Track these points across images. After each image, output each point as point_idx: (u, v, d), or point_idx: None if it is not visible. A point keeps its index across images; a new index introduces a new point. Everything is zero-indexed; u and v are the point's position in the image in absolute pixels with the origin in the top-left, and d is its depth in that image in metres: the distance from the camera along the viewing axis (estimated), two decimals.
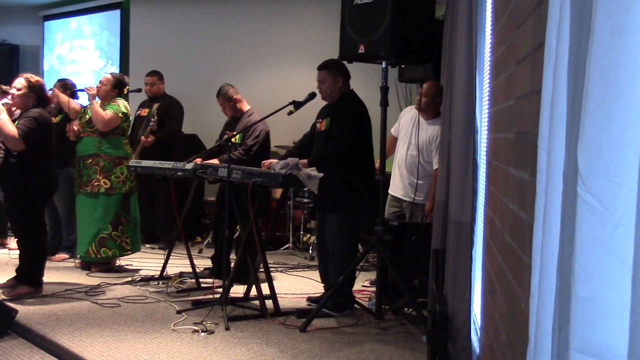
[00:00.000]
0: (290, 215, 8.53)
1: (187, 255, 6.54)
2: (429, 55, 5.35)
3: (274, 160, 5.42)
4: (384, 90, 5.30)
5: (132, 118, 7.58)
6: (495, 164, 2.88)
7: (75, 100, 7.81)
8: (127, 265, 7.22)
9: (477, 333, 3.56)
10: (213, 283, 5.96)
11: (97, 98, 6.96)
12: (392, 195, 6.31)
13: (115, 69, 10.59)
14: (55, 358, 4.61)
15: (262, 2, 10.14)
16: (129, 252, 7.07)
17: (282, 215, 8.52)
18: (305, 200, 8.21)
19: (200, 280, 6.41)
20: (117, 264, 7.12)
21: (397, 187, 6.27)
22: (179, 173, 6.04)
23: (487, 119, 3.45)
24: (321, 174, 5.14)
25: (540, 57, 1.73)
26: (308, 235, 8.67)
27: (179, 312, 5.40)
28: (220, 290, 5.54)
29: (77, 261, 7.26)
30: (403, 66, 7.46)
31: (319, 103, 5.83)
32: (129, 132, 7.25)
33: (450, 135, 4.34)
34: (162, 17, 10.62)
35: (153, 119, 7.82)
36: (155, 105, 8.47)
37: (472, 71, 3.63)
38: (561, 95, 1.22)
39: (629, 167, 0.99)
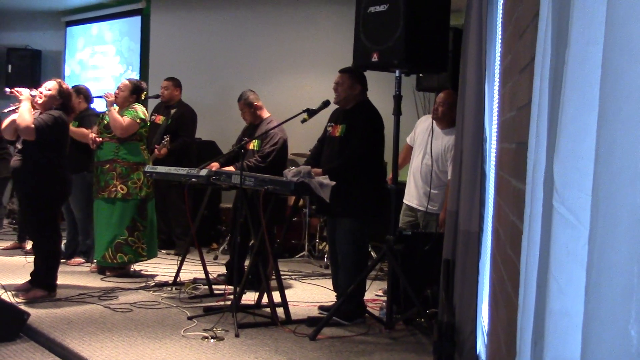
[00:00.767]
0: (306, 223, 8.52)
1: (201, 261, 6.56)
2: (443, 64, 5.33)
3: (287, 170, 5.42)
4: (397, 99, 5.29)
5: None
6: (501, 175, 2.86)
7: (89, 106, 7.87)
8: (141, 270, 7.24)
9: (484, 344, 3.53)
10: (225, 290, 5.96)
11: (114, 104, 7.00)
12: (406, 205, 6.29)
13: (135, 75, 10.67)
14: None
15: (279, 10, 10.17)
16: (145, 258, 7.09)
17: (297, 223, 8.51)
18: (315, 207, 8.19)
19: (213, 286, 6.42)
20: (132, 269, 7.14)
21: (412, 197, 6.25)
22: (193, 179, 6.06)
23: (496, 129, 3.43)
24: (333, 182, 5.14)
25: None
26: (324, 243, 8.66)
27: (189, 318, 5.41)
28: (232, 297, 5.55)
29: (92, 265, 7.30)
30: (421, 75, 7.45)
31: (332, 108, 5.83)
32: (146, 138, 7.28)
33: (462, 145, 4.32)
34: (182, 23, 10.69)
35: (166, 138, 7.87)
36: (171, 113, 8.51)
37: (481, 80, 3.61)
38: (543, 106, 1.21)
39: None
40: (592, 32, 0.98)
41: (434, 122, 5.97)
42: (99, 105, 8.40)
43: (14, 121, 5.94)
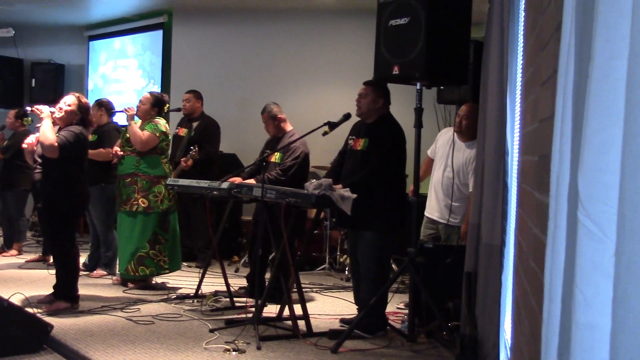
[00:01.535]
0: (327, 235, 8.52)
1: (222, 274, 6.58)
2: (464, 77, 5.32)
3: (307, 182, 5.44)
4: (419, 111, 5.30)
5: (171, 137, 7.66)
6: (523, 187, 2.85)
7: (111, 119, 7.94)
8: (163, 282, 7.27)
9: (507, 357, 3.52)
10: (247, 302, 5.97)
11: (135, 118, 7.06)
12: (427, 217, 6.29)
13: (157, 89, 10.73)
14: None
15: (300, 23, 10.22)
16: (167, 271, 7.12)
17: (318, 236, 8.52)
18: (335, 220, 8.18)
19: (235, 299, 6.43)
20: (154, 281, 7.17)
21: (433, 209, 6.24)
22: (215, 192, 6.09)
23: (518, 141, 3.43)
24: (354, 195, 5.14)
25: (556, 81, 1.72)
26: (344, 256, 8.65)
27: (211, 331, 5.42)
28: (254, 309, 5.56)
29: (114, 278, 7.35)
30: (442, 87, 7.44)
31: (352, 121, 5.84)
32: (168, 151, 7.32)
33: (484, 157, 4.32)
34: (204, 37, 10.77)
35: (194, 149, 7.93)
36: (194, 125, 8.56)
37: (503, 93, 3.61)
38: (567, 119, 1.21)
39: None
40: (615, 46, 0.98)
41: (456, 134, 5.96)
42: (121, 119, 8.47)
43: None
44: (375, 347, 5.19)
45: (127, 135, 7.05)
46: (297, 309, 5.50)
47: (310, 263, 8.54)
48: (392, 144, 5.59)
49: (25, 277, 7.58)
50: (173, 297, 6.66)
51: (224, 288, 6.55)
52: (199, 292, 6.62)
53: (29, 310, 5.44)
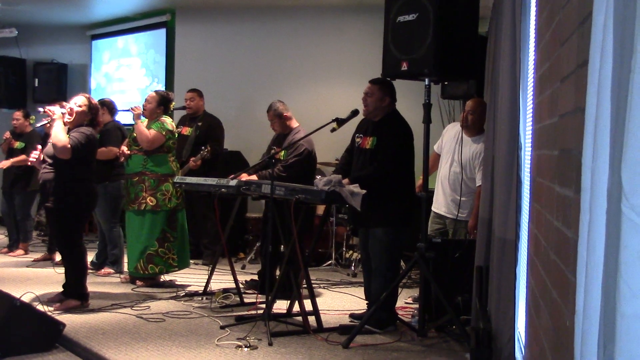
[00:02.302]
0: (333, 231, 8.54)
1: (230, 271, 6.60)
2: (473, 72, 5.34)
3: (318, 178, 5.46)
4: (427, 107, 5.31)
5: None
6: (539, 181, 2.87)
7: (113, 119, 7.96)
8: (171, 280, 7.29)
9: (521, 351, 3.53)
10: (256, 299, 5.99)
11: (142, 117, 7.08)
12: (435, 212, 6.31)
13: (161, 87, 10.74)
14: None
15: (305, 20, 10.23)
16: (176, 269, 7.15)
17: (324, 232, 8.53)
18: (348, 218, 8.22)
19: (244, 295, 6.45)
20: (162, 279, 7.20)
21: (440, 204, 6.26)
22: (223, 190, 6.10)
23: (530, 136, 3.45)
24: (364, 191, 5.16)
25: (584, 74, 1.73)
26: (350, 252, 8.68)
27: (222, 328, 5.44)
28: (264, 306, 5.58)
29: (122, 276, 7.37)
30: (446, 83, 7.46)
31: (358, 118, 5.86)
32: (174, 150, 7.33)
33: (494, 152, 4.33)
34: (207, 35, 10.77)
35: (206, 150, 7.97)
36: (198, 124, 8.58)
37: (516, 88, 3.62)
38: (604, 113, 1.23)
39: None
40: None
41: (463, 129, 5.98)
42: (126, 118, 8.48)
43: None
44: (386, 341, 5.21)
45: (134, 134, 7.07)
46: (307, 305, 5.52)
47: (316, 259, 8.56)
48: (400, 142, 5.61)
49: (33, 276, 7.60)
50: (182, 294, 6.68)
51: (231, 285, 6.58)
52: (208, 289, 6.64)
53: (41, 309, 5.46)
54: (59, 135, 5.83)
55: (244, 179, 6.24)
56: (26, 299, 5.44)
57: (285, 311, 5.83)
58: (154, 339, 5.15)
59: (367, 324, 5.33)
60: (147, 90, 10.42)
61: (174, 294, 6.67)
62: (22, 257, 8.90)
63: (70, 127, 6.01)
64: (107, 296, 6.51)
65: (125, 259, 7.43)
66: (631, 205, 1.04)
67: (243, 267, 8.27)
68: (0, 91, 12.32)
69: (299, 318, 5.53)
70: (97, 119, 6.24)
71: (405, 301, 6.52)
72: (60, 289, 6.19)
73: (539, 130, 3.00)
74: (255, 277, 7.09)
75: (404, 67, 5.17)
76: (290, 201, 5.38)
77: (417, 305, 5.77)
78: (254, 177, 6.40)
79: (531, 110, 3.48)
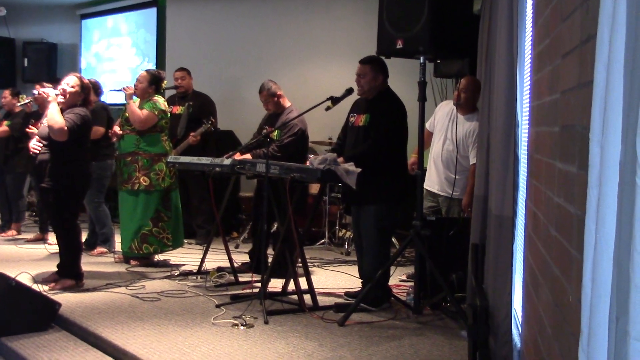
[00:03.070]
0: (326, 210, 8.55)
1: (224, 250, 6.60)
2: (467, 50, 5.34)
3: (312, 157, 5.45)
4: (422, 85, 5.31)
5: None
6: (537, 158, 2.87)
7: (99, 99, 7.92)
8: (165, 259, 7.29)
9: (517, 327, 3.56)
10: (252, 277, 6.00)
11: (134, 97, 7.04)
12: (427, 190, 6.32)
13: (152, 67, 10.68)
14: (98, 350, 4.69)
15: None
16: (171, 248, 7.15)
17: (317, 211, 8.54)
18: (341, 196, 8.23)
19: (238, 274, 6.46)
20: (156, 259, 7.20)
21: (433, 182, 6.27)
22: (217, 169, 6.10)
23: (527, 113, 3.45)
24: (359, 170, 5.16)
25: (588, 50, 1.73)
26: (344, 231, 8.69)
27: (218, 306, 5.45)
28: (259, 284, 5.59)
29: (116, 255, 7.37)
30: (439, 61, 7.45)
31: (352, 97, 5.85)
32: (167, 129, 7.29)
33: (489, 130, 4.33)
34: (198, 14, 10.70)
35: (210, 122, 7.98)
36: (189, 102, 8.56)
37: (513, 66, 3.62)
38: (616, 88, 1.23)
39: None
40: None
41: (456, 108, 5.98)
42: (117, 98, 8.43)
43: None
44: (381, 319, 5.24)
45: (126, 114, 7.04)
46: (302, 283, 5.53)
47: (310, 238, 8.57)
48: (394, 119, 5.61)
49: (26, 256, 7.59)
50: (176, 273, 6.68)
51: (226, 264, 6.59)
52: (202, 269, 6.65)
53: (36, 288, 5.46)
54: (55, 117, 5.80)
55: (237, 158, 6.23)
56: (21, 279, 5.43)
57: (280, 290, 5.84)
58: (149, 318, 5.16)
59: (362, 302, 5.35)
60: (138, 69, 10.37)
61: (169, 274, 6.68)
62: (14, 237, 8.87)
63: (64, 108, 5.97)
64: (101, 276, 6.51)
65: (118, 239, 7.42)
66: None
67: (236, 247, 8.27)
68: None
69: (295, 296, 5.55)
70: (89, 98, 6.22)
71: (400, 279, 6.55)
72: (54, 269, 6.19)
73: (536, 107, 3.00)
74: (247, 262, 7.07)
75: (399, 44, 5.15)
76: (285, 180, 5.37)
77: (411, 283, 5.80)
78: (247, 156, 6.39)
79: (528, 87, 3.48)
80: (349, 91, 5.74)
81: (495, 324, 3.68)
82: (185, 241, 8.23)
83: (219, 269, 6.62)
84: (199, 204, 8.55)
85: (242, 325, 4.95)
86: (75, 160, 5.97)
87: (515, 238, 3.66)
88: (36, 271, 6.43)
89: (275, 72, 8.68)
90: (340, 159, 5.36)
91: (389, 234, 5.83)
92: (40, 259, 7.30)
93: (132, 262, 7.05)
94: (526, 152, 3.40)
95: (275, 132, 6.50)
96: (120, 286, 6.11)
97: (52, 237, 7.35)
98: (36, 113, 8.24)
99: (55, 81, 7.26)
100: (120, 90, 7.29)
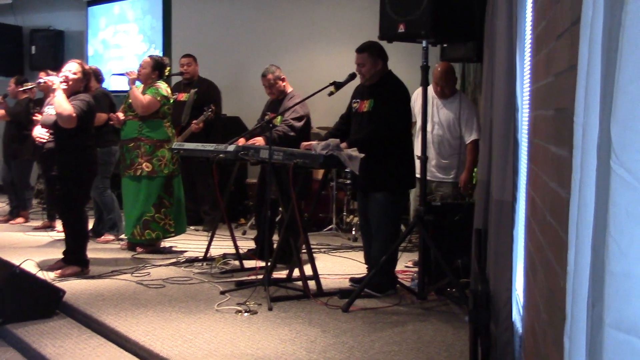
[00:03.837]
0: (333, 196, 8.53)
1: (230, 237, 6.60)
2: (471, 34, 5.28)
3: (314, 142, 5.43)
4: (425, 69, 5.27)
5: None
6: (536, 142, 2.84)
7: (100, 86, 7.93)
8: (171, 246, 7.30)
9: (519, 313, 3.53)
10: (256, 264, 6.00)
11: (137, 82, 7.03)
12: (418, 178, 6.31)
13: (159, 53, 10.66)
14: (101, 337, 4.70)
15: None
16: (173, 234, 7.16)
17: (324, 197, 8.53)
18: (348, 182, 8.21)
19: (244, 261, 6.46)
20: (162, 246, 7.20)
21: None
22: (221, 155, 6.08)
23: (528, 97, 3.41)
24: (362, 155, 5.14)
25: (577, 31, 1.70)
26: (351, 217, 8.68)
27: (222, 293, 5.46)
28: (264, 271, 5.59)
29: (122, 243, 7.38)
30: (445, 45, 7.39)
31: (354, 83, 5.82)
32: (170, 115, 7.28)
33: (491, 114, 4.29)
34: (203, 0, 10.66)
35: (211, 109, 7.95)
36: (194, 89, 8.54)
37: (512, 48, 3.58)
38: (595, 69, 1.20)
39: None
40: None
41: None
42: (122, 84, 8.43)
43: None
44: (386, 305, 5.22)
45: (129, 100, 7.03)
46: (307, 270, 5.52)
47: (317, 224, 8.56)
48: (397, 103, 5.57)
49: (33, 243, 7.62)
50: (182, 260, 6.69)
51: (232, 250, 6.59)
52: (208, 255, 6.65)
53: (40, 276, 5.47)
54: (63, 105, 5.80)
55: (240, 144, 6.21)
56: (26, 266, 5.46)
57: (285, 276, 5.83)
58: (153, 304, 5.17)
59: (367, 288, 5.34)
60: (145, 56, 10.33)
61: (174, 260, 6.68)
62: (22, 224, 8.91)
63: (67, 95, 5.97)
64: (107, 263, 6.52)
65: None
66: (620, 162, 1.02)
67: (244, 233, 8.27)
68: None
69: (299, 283, 5.54)
70: (90, 84, 6.23)
71: (406, 265, 6.53)
72: (60, 256, 6.21)
73: (535, 90, 2.96)
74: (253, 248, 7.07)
75: (401, 29, 5.11)
76: (288, 166, 5.35)
77: (417, 269, 5.78)
78: (259, 139, 6.31)
79: (529, 70, 3.45)
80: (352, 76, 5.71)
81: (496, 309, 3.66)
82: (192, 228, 8.27)
83: (225, 256, 6.63)
84: (204, 191, 8.55)
85: (245, 311, 4.95)
86: (82, 147, 5.98)
87: (516, 223, 3.63)
88: (42, 258, 6.46)
89: (280, 58, 8.66)
90: (343, 144, 5.33)
91: (397, 221, 5.80)
92: (46, 246, 7.33)
93: (138, 249, 7.06)
94: (527, 137, 3.37)
95: (278, 118, 6.47)
96: (125, 273, 6.12)
97: (59, 225, 7.36)
98: (39, 100, 8.25)
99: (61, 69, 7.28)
100: (123, 74, 7.28)
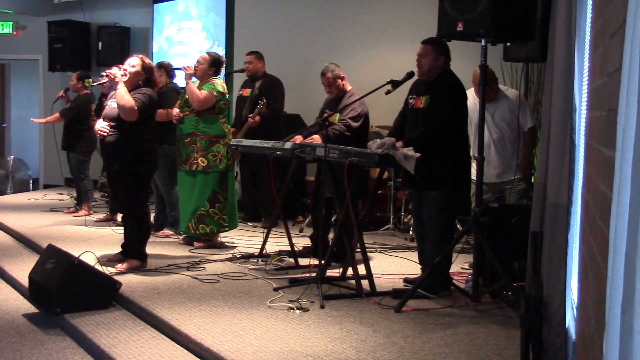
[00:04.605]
0: (391, 195, 8.49)
1: (286, 234, 6.62)
2: (531, 33, 5.18)
3: (369, 142, 5.40)
4: (483, 68, 5.19)
5: (231, 97, 7.66)
6: (591, 144, 2.77)
7: (171, 81, 8.04)
8: (228, 242, 7.36)
9: (574, 318, 3.46)
10: (310, 262, 6.00)
11: (194, 77, 7.09)
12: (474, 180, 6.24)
13: (222, 50, 10.76)
14: (154, 330, 4.77)
15: None
16: (227, 229, 7.22)
17: (382, 196, 8.49)
18: (402, 180, 8.13)
19: (299, 259, 6.47)
20: (219, 241, 7.27)
21: (488, 175, 6.19)
22: (278, 152, 6.10)
23: (586, 97, 3.33)
24: (418, 154, 5.09)
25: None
26: (409, 216, 8.61)
27: (275, 290, 5.47)
28: (318, 269, 5.58)
29: (180, 237, 7.47)
30: (508, 45, 7.27)
31: (412, 80, 5.77)
32: (226, 111, 7.33)
33: (550, 116, 4.21)
34: None
35: (262, 102, 7.96)
36: (257, 84, 8.60)
37: (571, 47, 3.50)
38: (635, 69, 1.16)
39: None
40: None
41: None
42: (180, 80, 8.54)
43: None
44: (439, 306, 5.17)
45: (186, 96, 7.10)
46: (361, 269, 5.50)
47: (374, 223, 8.53)
48: (454, 101, 5.50)
49: (95, 235, 7.77)
50: (238, 256, 6.74)
51: (288, 248, 6.61)
52: (264, 252, 6.68)
53: (99, 268, 5.58)
54: (125, 97, 5.90)
55: (297, 141, 6.21)
56: (85, 258, 5.57)
57: (339, 275, 5.82)
58: (207, 299, 5.21)
59: (420, 289, 5.29)
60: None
61: (230, 256, 6.74)
62: (85, 217, 9.09)
63: (128, 89, 6.06)
64: (164, 257, 6.62)
65: None
66: None
67: (301, 230, 8.29)
68: (66, 54, 12.56)
69: (353, 282, 5.52)
70: (152, 78, 6.29)
71: (462, 266, 6.45)
72: (119, 249, 6.31)
73: (592, 91, 2.89)
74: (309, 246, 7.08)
75: (460, 27, 5.04)
76: (343, 164, 5.34)
77: (471, 271, 5.71)
78: (316, 137, 6.30)
79: (587, 70, 3.37)
80: (410, 75, 5.66)
81: (550, 313, 3.58)
82: (251, 224, 8.33)
83: (280, 253, 6.65)
84: (265, 188, 8.58)
85: (297, 309, 4.95)
86: (144, 140, 6.06)
87: (571, 226, 3.55)
88: (102, 251, 6.59)
89: (342, 56, 8.65)
90: (399, 143, 5.29)
91: (451, 221, 5.73)
92: (107, 239, 7.46)
93: (196, 244, 7.14)
94: (584, 139, 3.29)
95: (336, 116, 6.45)
96: (181, 267, 6.20)
97: (120, 217, 7.49)
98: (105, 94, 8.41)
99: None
100: (180, 69, 7.37)
